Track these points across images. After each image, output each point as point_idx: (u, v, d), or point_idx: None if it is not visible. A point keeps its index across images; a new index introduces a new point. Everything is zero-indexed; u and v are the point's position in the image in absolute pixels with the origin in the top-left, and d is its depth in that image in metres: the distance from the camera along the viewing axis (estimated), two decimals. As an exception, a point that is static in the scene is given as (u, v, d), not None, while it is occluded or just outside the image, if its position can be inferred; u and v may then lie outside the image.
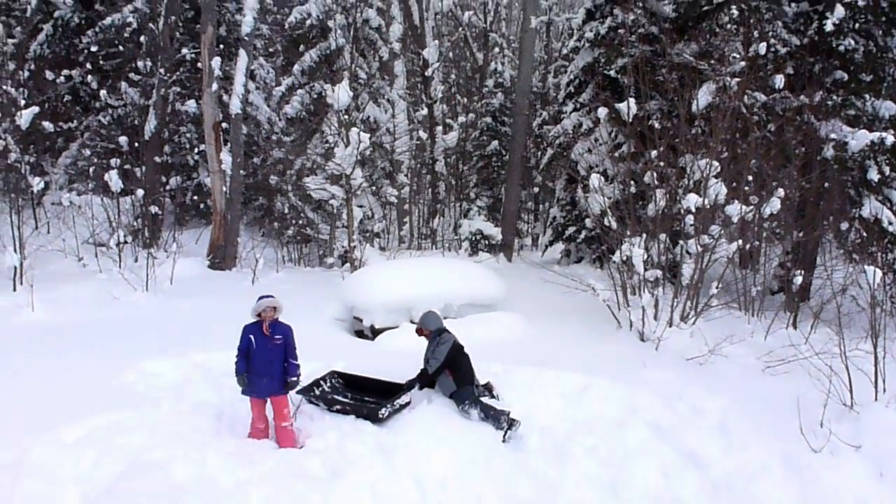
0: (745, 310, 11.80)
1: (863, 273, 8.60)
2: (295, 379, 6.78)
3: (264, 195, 18.45)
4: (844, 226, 13.34)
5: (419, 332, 7.96)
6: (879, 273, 7.66)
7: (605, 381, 7.78)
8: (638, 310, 10.32)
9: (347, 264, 14.76)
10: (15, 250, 10.94)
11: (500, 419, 6.91)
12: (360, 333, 10.33)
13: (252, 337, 6.67)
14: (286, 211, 17.15)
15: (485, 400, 7.27)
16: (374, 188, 18.56)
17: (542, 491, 6.28)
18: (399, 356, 8.58)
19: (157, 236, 15.53)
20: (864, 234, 12.82)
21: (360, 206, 16.88)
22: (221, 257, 14.20)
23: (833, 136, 12.35)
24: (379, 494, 6.01)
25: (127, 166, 16.14)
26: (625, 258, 10.67)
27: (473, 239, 18.80)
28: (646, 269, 10.45)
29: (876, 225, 12.35)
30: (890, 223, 12.21)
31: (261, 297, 6.81)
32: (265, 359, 6.64)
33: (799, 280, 10.93)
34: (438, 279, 10.81)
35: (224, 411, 6.97)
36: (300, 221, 16.94)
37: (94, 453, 5.91)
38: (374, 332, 10.01)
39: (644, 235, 10.76)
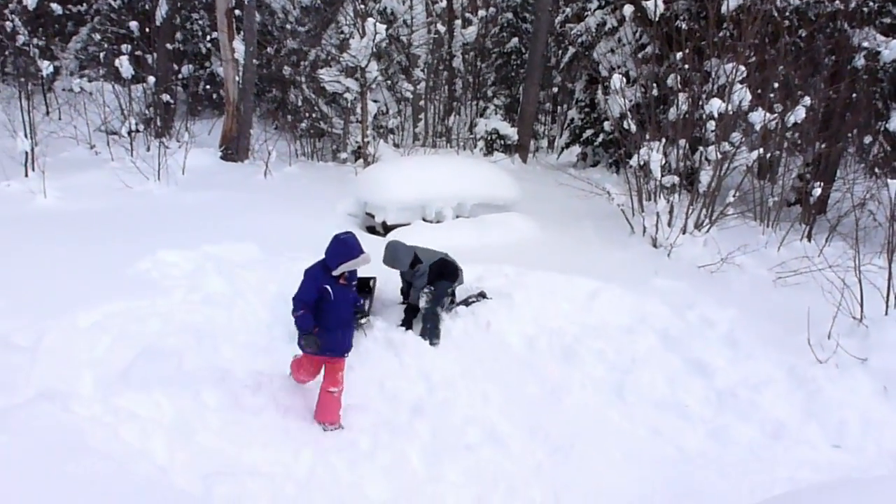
0: (760, 220, 11.68)
1: (884, 188, 8.45)
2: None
3: (278, 87, 18.12)
4: (868, 139, 13.05)
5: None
6: (901, 186, 7.51)
7: (616, 287, 7.77)
8: (652, 216, 10.24)
9: (361, 160, 14.62)
10: (26, 135, 10.85)
11: (434, 333, 6.92)
12: (371, 229, 10.33)
13: (329, 288, 5.57)
14: (300, 104, 16.87)
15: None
16: (389, 83, 18.18)
17: (548, 391, 6.38)
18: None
19: (169, 126, 15.37)
20: (889, 148, 12.54)
21: (375, 101, 16.59)
22: (234, 149, 14.07)
23: (865, 44, 11.90)
24: (387, 389, 6.14)
25: (138, 53, 15.83)
26: (642, 163, 10.52)
27: (489, 139, 18.52)
28: (663, 175, 10.30)
29: (901, 138, 12.07)
30: (915, 137, 11.91)
31: (354, 249, 5.54)
32: (344, 308, 5.76)
33: (817, 192, 10.76)
34: (452, 178, 10.71)
35: (236, 303, 7.03)
36: (314, 115, 16.69)
37: (108, 339, 6.01)
38: (386, 229, 9.99)
39: (663, 140, 10.55)
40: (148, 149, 12.80)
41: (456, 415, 5.93)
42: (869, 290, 7.32)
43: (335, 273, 5.56)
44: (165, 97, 15.13)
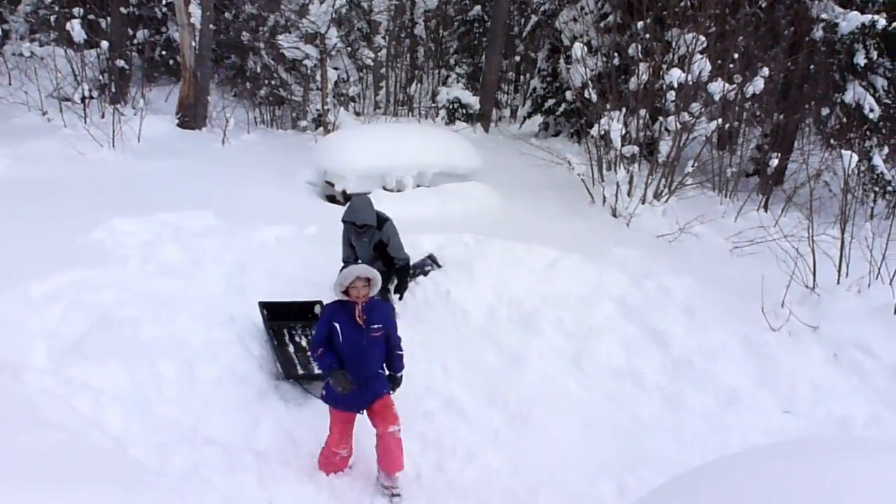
0: (718, 190, 11.83)
1: (839, 159, 8.59)
2: (400, 375, 5.17)
3: (236, 53, 17.77)
4: (825, 111, 13.24)
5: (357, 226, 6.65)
6: (856, 157, 7.64)
7: (576, 256, 7.82)
8: (612, 186, 10.29)
9: (321, 128, 14.46)
10: (-26, 100, 10.50)
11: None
12: (331, 198, 10.23)
13: (337, 326, 4.82)
14: (258, 70, 16.59)
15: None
16: (349, 50, 17.96)
17: (507, 360, 6.42)
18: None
19: (124, 92, 14.97)
20: (845, 119, 12.74)
21: (336, 69, 16.39)
22: (191, 116, 13.78)
23: (824, 16, 12.02)
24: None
25: (91, 16, 15.36)
26: (602, 133, 10.55)
27: (451, 107, 18.43)
28: (623, 145, 10.35)
29: (857, 111, 12.25)
30: (871, 110, 12.10)
31: (346, 265, 5.10)
32: (358, 356, 4.84)
33: (775, 163, 10.91)
34: (413, 146, 10.64)
35: (193, 272, 6.93)
36: (273, 82, 16.43)
37: (61, 309, 5.89)
38: (346, 198, 9.90)
39: (624, 110, 10.59)
40: (102, 116, 12.47)
41: (416, 383, 5.92)
42: (822, 259, 7.46)
43: (338, 297, 4.85)
44: (120, 63, 14.71)
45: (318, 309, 6.10)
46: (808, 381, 6.11)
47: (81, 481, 3.99)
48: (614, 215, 10.20)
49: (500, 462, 5.36)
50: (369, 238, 6.71)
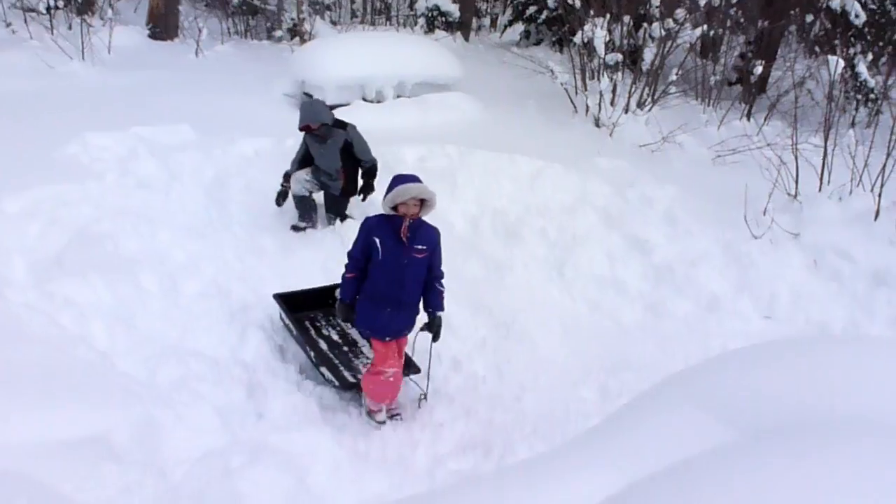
0: (701, 99, 11.73)
1: (823, 66, 8.50)
2: (440, 316, 4.75)
3: (206, -41, 17.11)
4: (810, 18, 13.03)
5: (308, 129, 6.46)
6: (842, 62, 7.57)
7: (559, 166, 7.78)
8: (595, 95, 10.16)
9: (297, 38, 14.05)
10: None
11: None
12: (310, 110, 10.01)
13: (377, 240, 4.43)
14: (231, -22, 15.99)
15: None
16: (325, -44, 17.33)
17: (491, 270, 6.46)
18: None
19: (91, 2, 14.44)
20: (829, 26, 12.56)
21: (311, -24, 15.83)
22: (162, 27, 13.33)
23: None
24: (329, 270, 6.09)
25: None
26: (586, 40, 10.34)
27: (430, 16, 17.91)
28: (606, 53, 10.17)
29: (842, 17, 12.07)
30: (857, 16, 11.92)
31: (399, 178, 4.48)
32: (395, 277, 4.48)
33: (758, 71, 10.79)
34: (393, 56, 10.36)
35: (172, 186, 6.83)
36: (246, -10, 15.87)
37: (38, 225, 5.79)
38: (325, 110, 9.73)
39: (608, 17, 10.36)
40: (70, 27, 12.05)
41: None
42: (805, 167, 7.47)
43: (384, 211, 4.50)
44: (85, -30, 14.16)
45: (338, 293, 4.95)
46: (788, 287, 6.20)
47: (70, 394, 4.01)
48: (597, 125, 10.11)
49: (486, 369, 5.44)
50: (334, 141, 6.47)
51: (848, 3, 11.97)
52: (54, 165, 6.77)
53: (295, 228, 6.63)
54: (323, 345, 5.51)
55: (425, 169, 7.44)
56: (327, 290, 5.63)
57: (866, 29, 12.32)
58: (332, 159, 6.53)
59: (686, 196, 7.47)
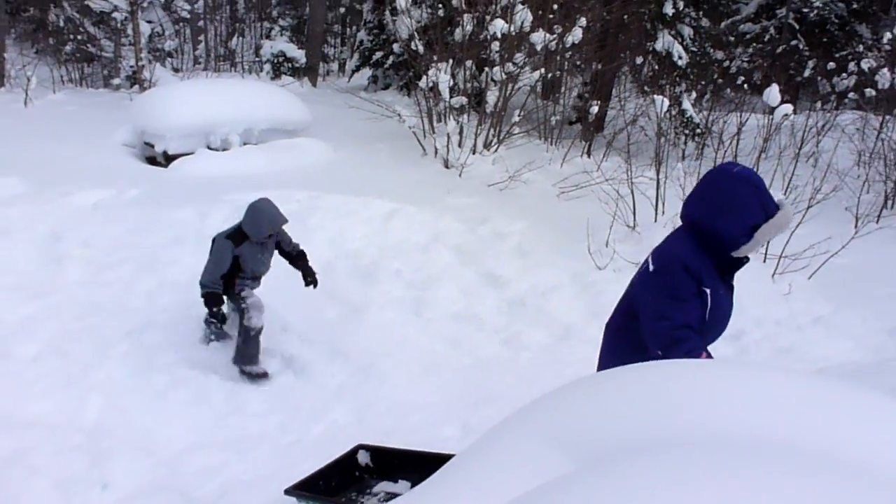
0: (544, 138, 12.23)
1: (652, 104, 9.09)
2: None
3: (35, 5, 16.29)
4: (640, 59, 13.96)
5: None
6: (667, 102, 8.11)
7: (412, 207, 7.85)
8: (443, 137, 10.37)
9: (136, 86, 13.57)
10: None
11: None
12: (152, 160, 9.63)
13: (708, 291, 2.93)
14: (62, 24, 15.29)
15: None
16: (163, 1, 16.90)
17: (348, 313, 6.38)
18: (196, 183, 8.16)
19: None
20: (657, 67, 13.49)
21: (149, 22, 15.40)
22: (-14, 75, 12.57)
23: (635, -33, 12.59)
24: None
25: None
26: (431, 84, 10.57)
27: (276, 61, 17.83)
28: (451, 96, 10.43)
29: (667, 59, 13.02)
30: (680, 57, 12.89)
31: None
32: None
33: (595, 110, 11.39)
34: (238, 102, 10.18)
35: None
36: (79, 37, 15.20)
37: None
38: (168, 159, 9.35)
39: (451, 61, 10.65)
40: None
41: (255, 346, 5.76)
42: (641, 200, 7.91)
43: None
44: None
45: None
46: (633, 313, 6.48)
47: None
48: (447, 166, 10.30)
49: (346, 416, 5.33)
50: (272, 243, 5.72)
51: (671, 45, 12.93)
52: None
53: (256, 375, 5.59)
54: None
55: (276, 214, 7.31)
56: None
57: (689, 69, 13.33)
58: (268, 263, 5.83)
59: (535, 230, 7.73)
